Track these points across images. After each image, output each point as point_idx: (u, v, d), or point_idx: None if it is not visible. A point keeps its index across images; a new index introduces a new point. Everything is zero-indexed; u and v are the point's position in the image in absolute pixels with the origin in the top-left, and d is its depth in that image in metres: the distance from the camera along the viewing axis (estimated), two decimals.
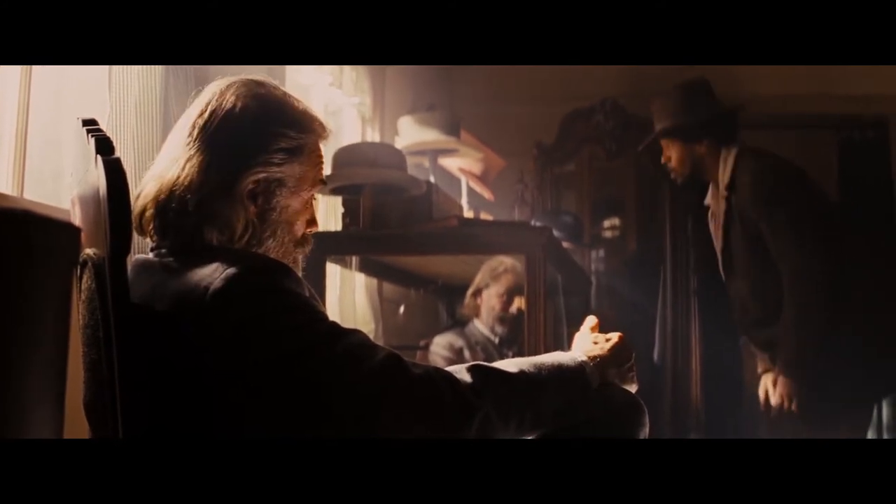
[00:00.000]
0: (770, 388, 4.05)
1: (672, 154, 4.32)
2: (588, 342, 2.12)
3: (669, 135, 4.31)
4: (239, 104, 1.91)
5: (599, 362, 2.04)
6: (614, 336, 2.12)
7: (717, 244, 4.36)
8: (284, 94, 1.99)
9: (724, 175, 4.16)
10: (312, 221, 2.04)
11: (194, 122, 1.90)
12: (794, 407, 3.95)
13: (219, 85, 1.96)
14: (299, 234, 2.00)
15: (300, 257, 2.04)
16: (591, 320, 2.21)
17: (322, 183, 2.03)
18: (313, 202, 2.04)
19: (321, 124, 2.00)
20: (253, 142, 1.91)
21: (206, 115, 1.90)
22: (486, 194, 5.51)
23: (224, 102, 1.91)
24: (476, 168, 5.34)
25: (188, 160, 1.87)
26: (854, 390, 3.94)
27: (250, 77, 1.98)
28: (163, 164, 1.90)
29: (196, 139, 1.88)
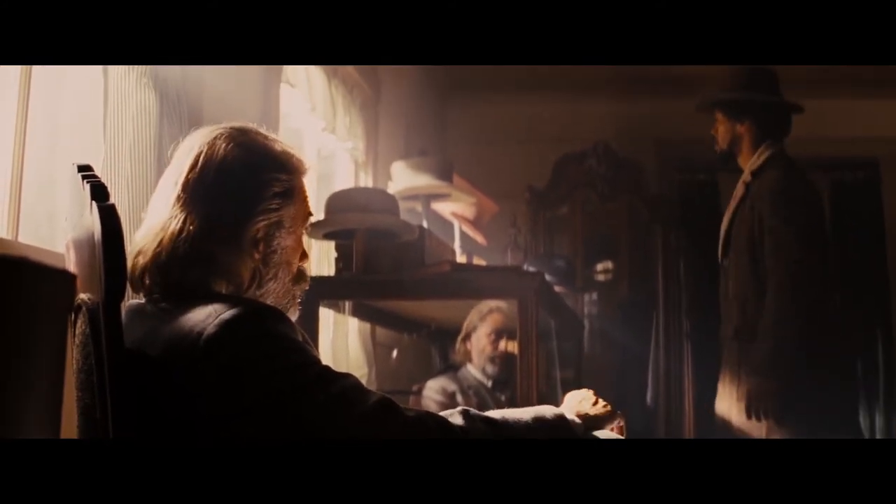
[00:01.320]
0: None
1: (719, 126, 4.39)
2: (576, 401, 2.14)
3: (719, 106, 4.38)
4: (229, 156, 1.91)
5: (584, 417, 2.07)
6: (605, 404, 2.14)
7: (724, 224, 4.41)
8: (265, 136, 2.00)
9: (754, 163, 4.25)
10: (304, 255, 2.06)
11: (188, 177, 1.90)
12: (763, 411, 3.96)
13: (204, 137, 1.95)
14: (295, 269, 2.02)
15: (299, 293, 2.05)
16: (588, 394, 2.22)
17: (310, 215, 2.05)
18: (304, 237, 2.06)
19: (300, 161, 2.02)
20: (249, 191, 1.92)
21: (199, 168, 1.90)
22: (479, 239, 5.52)
23: (214, 155, 1.91)
24: (469, 213, 5.35)
25: (187, 216, 1.87)
26: (824, 401, 3.97)
27: (232, 125, 1.98)
28: (158, 220, 1.89)
29: (192, 194, 1.89)
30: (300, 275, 2.04)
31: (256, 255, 1.92)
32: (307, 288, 2.07)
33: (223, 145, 1.92)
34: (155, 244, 1.87)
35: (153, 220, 1.90)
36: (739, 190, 4.30)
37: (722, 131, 4.36)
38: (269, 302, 1.96)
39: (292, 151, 2.01)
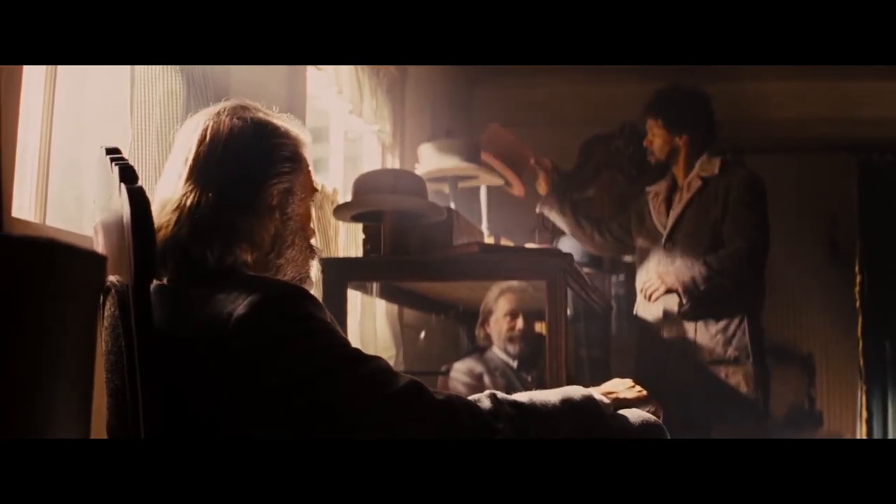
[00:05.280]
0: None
1: (655, 139, 4.77)
2: (611, 384, 2.14)
3: (655, 116, 4.77)
4: (236, 127, 1.96)
5: (614, 398, 2.07)
6: (640, 390, 2.15)
7: (675, 212, 4.73)
8: (265, 111, 2.05)
9: (704, 166, 4.68)
10: (313, 231, 2.10)
11: (198, 151, 1.93)
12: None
13: (208, 114, 1.99)
14: (311, 239, 2.07)
15: (314, 266, 2.08)
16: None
17: (316, 190, 2.09)
18: (312, 210, 2.10)
19: (300, 134, 2.06)
20: (259, 156, 1.97)
21: (208, 141, 1.94)
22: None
23: (221, 127, 1.95)
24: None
25: (202, 188, 1.89)
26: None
27: (233, 102, 2.03)
28: (172, 199, 1.91)
29: (204, 166, 1.91)
30: (312, 248, 2.08)
31: (277, 219, 1.97)
32: (317, 262, 2.10)
33: (227, 119, 1.97)
34: (173, 221, 1.88)
35: (166, 195, 1.92)
36: (695, 184, 4.65)
37: (659, 144, 4.76)
38: (289, 271, 2.01)
39: (291, 124, 2.06)
